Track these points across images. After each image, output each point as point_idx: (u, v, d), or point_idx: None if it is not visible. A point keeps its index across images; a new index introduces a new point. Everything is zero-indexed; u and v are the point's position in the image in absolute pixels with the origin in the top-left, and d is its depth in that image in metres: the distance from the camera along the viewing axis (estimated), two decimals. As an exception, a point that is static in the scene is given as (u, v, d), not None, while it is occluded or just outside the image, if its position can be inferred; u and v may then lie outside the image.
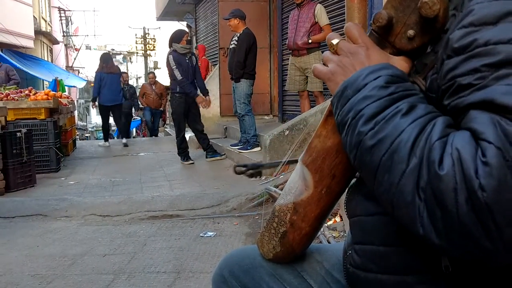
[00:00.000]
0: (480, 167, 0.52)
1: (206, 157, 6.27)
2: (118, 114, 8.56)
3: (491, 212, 0.51)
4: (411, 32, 0.70)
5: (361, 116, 0.63)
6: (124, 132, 9.63)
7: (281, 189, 0.90)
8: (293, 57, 5.43)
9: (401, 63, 0.70)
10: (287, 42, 5.58)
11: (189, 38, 6.31)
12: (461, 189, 0.52)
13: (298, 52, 5.32)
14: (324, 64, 0.74)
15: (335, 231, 2.81)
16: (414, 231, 0.58)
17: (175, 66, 5.85)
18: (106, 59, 8.34)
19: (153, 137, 11.41)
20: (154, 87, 11.29)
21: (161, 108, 11.64)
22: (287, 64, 7.50)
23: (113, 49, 37.14)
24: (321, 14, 5.13)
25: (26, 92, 6.63)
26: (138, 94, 11.90)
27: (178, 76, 5.85)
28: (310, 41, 5.16)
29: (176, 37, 6.09)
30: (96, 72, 8.33)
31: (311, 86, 5.32)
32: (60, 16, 25.58)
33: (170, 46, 6.08)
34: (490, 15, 0.58)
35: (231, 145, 6.16)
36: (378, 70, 0.65)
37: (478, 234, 0.53)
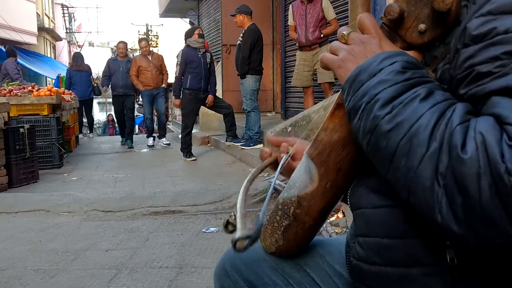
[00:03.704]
0: (507, 151, 0.51)
1: (226, 140, 6.36)
2: (89, 108, 9.60)
3: None
4: (422, 26, 0.69)
5: (377, 100, 0.62)
6: (129, 131, 8.26)
7: (286, 183, 0.87)
8: (304, 52, 5.37)
9: None
10: (297, 38, 5.48)
11: (201, 33, 6.31)
12: (485, 174, 0.51)
13: (309, 48, 5.28)
14: (332, 54, 0.73)
15: (338, 227, 2.80)
16: (432, 218, 0.57)
17: (178, 62, 5.90)
18: (76, 58, 9.34)
19: (155, 141, 8.01)
20: (151, 58, 7.72)
21: (163, 85, 7.84)
22: (290, 61, 7.50)
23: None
24: (328, 8, 5.11)
25: (29, 88, 6.64)
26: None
27: (177, 72, 5.91)
28: (322, 35, 5.15)
29: (189, 33, 6.21)
30: (66, 70, 9.56)
31: (322, 78, 5.21)
32: (63, 13, 25.65)
33: (185, 43, 6.16)
34: (509, 4, 0.58)
35: (233, 141, 6.16)
36: (393, 56, 0.65)
37: (501, 221, 0.51)
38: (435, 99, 0.59)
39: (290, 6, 5.56)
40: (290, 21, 5.48)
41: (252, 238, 0.65)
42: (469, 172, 0.52)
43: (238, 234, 0.66)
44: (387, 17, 0.70)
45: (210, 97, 6.16)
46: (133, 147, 7.97)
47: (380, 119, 0.61)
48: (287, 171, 0.90)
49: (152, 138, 7.99)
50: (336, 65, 0.71)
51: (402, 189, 0.60)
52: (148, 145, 7.94)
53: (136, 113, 12.30)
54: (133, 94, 8.15)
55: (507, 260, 0.60)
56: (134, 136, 9.04)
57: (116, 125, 17.66)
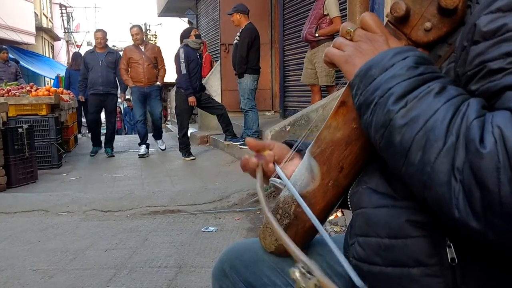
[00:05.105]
0: None
1: (225, 140, 6.33)
2: (87, 107, 9.13)
3: None
4: (428, 25, 0.68)
5: (391, 94, 0.61)
6: (109, 137, 7.08)
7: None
8: (308, 50, 5.32)
9: None
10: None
11: (197, 33, 6.29)
12: (505, 168, 0.51)
13: (310, 45, 5.21)
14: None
15: (337, 226, 2.80)
16: (448, 214, 0.56)
17: (183, 60, 5.87)
18: (75, 57, 9.37)
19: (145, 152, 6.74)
20: (143, 49, 6.52)
21: (157, 83, 6.67)
22: (289, 60, 7.50)
23: (114, 46, 36.90)
24: (331, 6, 4.93)
25: (28, 88, 6.63)
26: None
27: (183, 70, 5.87)
28: (316, 34, 5.01)
29: (185, 33, 6.20)
30: (66, 70, 9.61)
31: (321, 80, 5.16)
32: (61, 13, 25.65)
33: (181, 42, 6.14)
34: None
35: (232, 141, 6.16)
36: (404, 51, 0.64)
37: None
38: (449, 94, 0.59)
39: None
40: None
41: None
42: (488, 166, 0.52)
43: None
44: (393, 14, 0.69)
45: (192, 98, 5.96)
46: (113, 156, 6.93)
47: (394, 113, 0.61)
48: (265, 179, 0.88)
49: (144, 146, 6.75)
50: (343, 60, 0.70)
51: (417, 184, 0.60)
52: (139, 155, 6.69)
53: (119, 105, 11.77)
54: (115, 93, 6.90)
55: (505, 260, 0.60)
56: (132, 136, 8.96)
57: (123, 118, 16.43)
